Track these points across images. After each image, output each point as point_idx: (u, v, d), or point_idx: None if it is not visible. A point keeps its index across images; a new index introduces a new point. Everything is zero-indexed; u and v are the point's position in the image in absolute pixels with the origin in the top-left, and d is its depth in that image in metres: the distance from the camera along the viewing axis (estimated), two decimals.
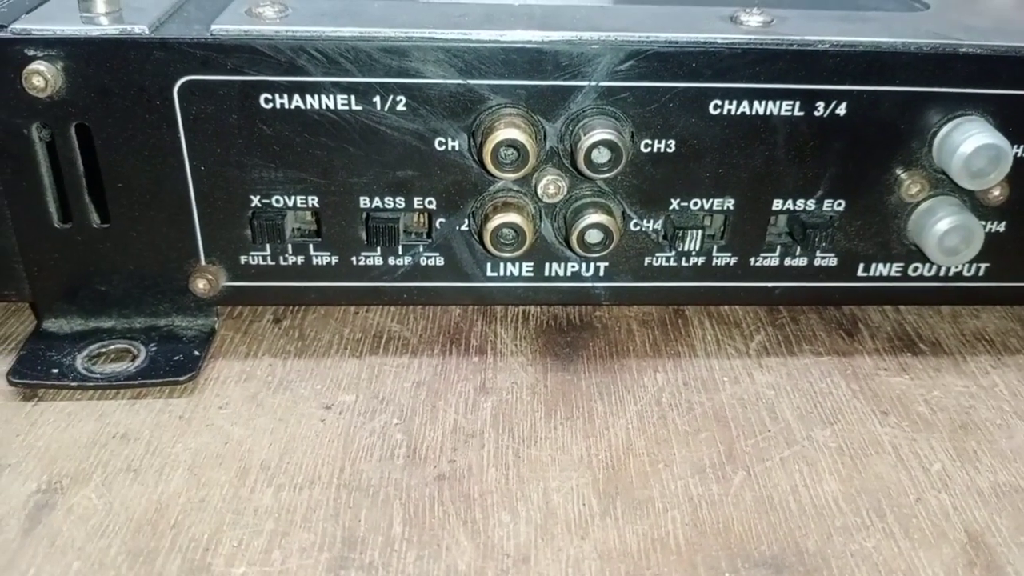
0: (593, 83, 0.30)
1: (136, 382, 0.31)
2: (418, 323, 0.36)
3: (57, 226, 0.32)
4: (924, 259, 0.34)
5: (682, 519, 0.27)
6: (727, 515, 0.27)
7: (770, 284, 0.35)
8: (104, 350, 0.33)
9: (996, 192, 0.32)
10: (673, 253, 0.34)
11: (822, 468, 0.29)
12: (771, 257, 0.34)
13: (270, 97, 0.30)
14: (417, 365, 0.33)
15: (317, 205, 0.32)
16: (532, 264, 0.34)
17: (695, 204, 0.33)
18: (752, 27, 0.31)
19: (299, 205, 0.32)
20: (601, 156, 0.30)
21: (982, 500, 0.28)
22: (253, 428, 0.30)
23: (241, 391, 0.32)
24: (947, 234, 0.32)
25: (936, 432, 0.31)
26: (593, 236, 0.32)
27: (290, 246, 0.33)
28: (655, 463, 0.29)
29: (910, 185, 0.32)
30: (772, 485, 0.28)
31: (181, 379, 0.31)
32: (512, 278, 0.34)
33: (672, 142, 0.31)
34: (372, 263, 0.33)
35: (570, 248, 0.32)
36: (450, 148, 0.31)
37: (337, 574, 0.25)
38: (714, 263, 0.34)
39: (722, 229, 0.34)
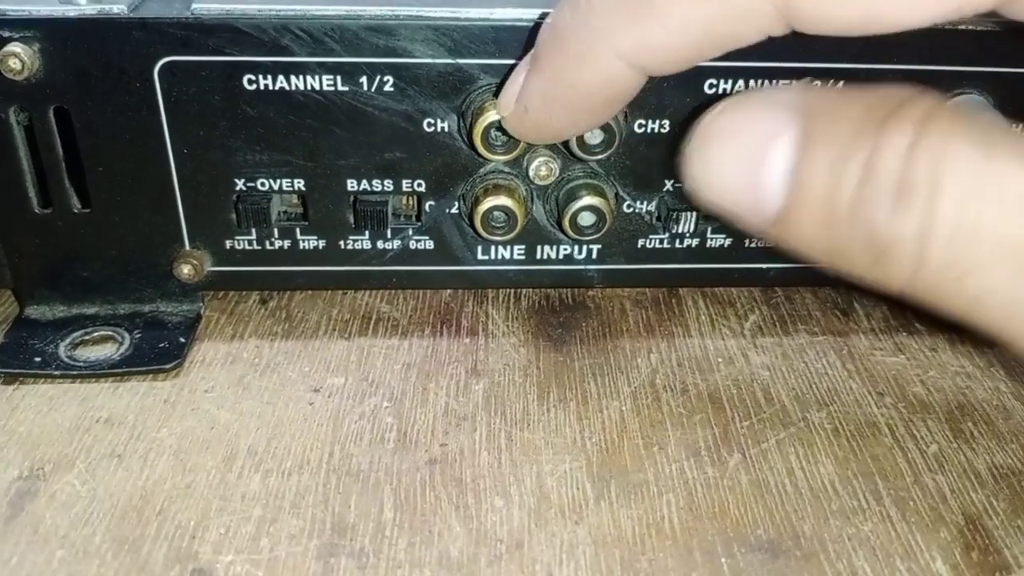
0: None
1: (120, 370, 0.31)
2: (408, 304, 0.35)
3: (37, 211, 0.31)
4: None
5: (677, 503, 0.27)
6: (723, 498, 0.27)
7: (765, 265, 0.34)
8: (87, 337, 0.32)
9: None
10: (667, 235, 0.33)
11: (818, 450, 0.29)
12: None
13: (254, 78, 0.29)
14: (407, 347, 0.33)
15: (303, 188, 0.31)
16: (524, 247, 0.33)
17: None
18: None
19: (285, 188, 0.31)
20: (594, 137, 0.30)
21: (979, 482, 0.28)
22: (240, 412, 0.30)
23: (227, 374, 0.31)
24: None
25: (932, 413, 0.31)
26: (586, 219, 0.31)
27: (276, 230, 0.32)
28: (649, 446, 0.29)
29: None
30: (768, 468, 0.28)
31: (166, 367, 0.31)
32: (503, 261, 0.34)
33: (666, 122, 0.31)
34: (360, 247, 0.33)
35: (562, 231, 0.32)
36: (439, 129, 0.31)
37: (327, 561, 0.24)
38: (708, 245, 0.34)
39: None
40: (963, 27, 0.30)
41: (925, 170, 0.17)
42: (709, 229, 0.33)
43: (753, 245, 0.34)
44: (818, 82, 0.30)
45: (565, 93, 0.25)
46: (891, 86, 0.19)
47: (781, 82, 0.30)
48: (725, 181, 0.19)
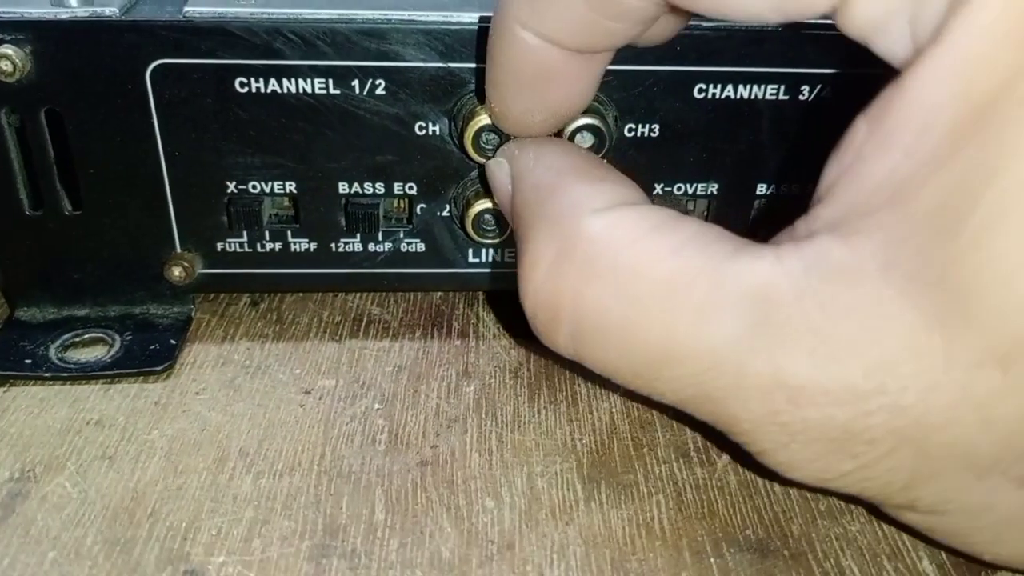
0: None
1: (111, 372, 0.31)
2: (399, 306, 0.36)
3: (28, 213, 0.31)
4: None
5: (667, 503, 0.27)
6: (712, 499, 0.27)
7: None
8: (78, 339, 0.32)
9: None
10: None
11: None
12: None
13: (245, 81, 0.29)
14: (398, 349, 0.33)
15: (295, 191, 0.32)
16: (514, 250, 0.34)
17: (679, 189, 0.32)
18: None
19: (276, 191, 0.31)
20: (584, 141, 0.30)
21: None
22: (231, 414, 0.30)
23: (218, 376, 0.31)
24: None
25: None
26: None
27: (267, 232, 0.32)
28: (639, 447, 0.29)
29: None
30: (757, 468, 0.28)
31: (157, 368, 0.31)
32: (494, 264, 0.34)
33: (656, 126, 0.31)
34: (351, 249, 0.33)
35: None
36: (431, 133, 0.31)
37: (319, 562, 0.24)
38: None
39: (706, 214, 0.33)
40: None
41: (557, 306, 0.23)
42: None
43: None
44: (806, 87, 0.31)
45: (498, 74, 0.26)
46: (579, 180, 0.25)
47: (769, 86, 0.30)
48: (506, 209, 0.28)
